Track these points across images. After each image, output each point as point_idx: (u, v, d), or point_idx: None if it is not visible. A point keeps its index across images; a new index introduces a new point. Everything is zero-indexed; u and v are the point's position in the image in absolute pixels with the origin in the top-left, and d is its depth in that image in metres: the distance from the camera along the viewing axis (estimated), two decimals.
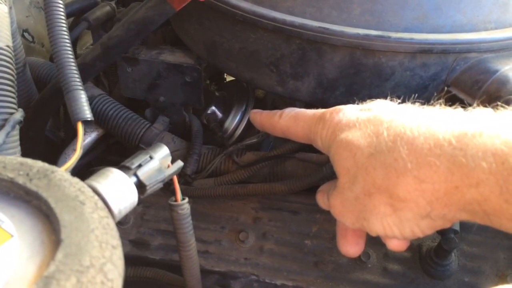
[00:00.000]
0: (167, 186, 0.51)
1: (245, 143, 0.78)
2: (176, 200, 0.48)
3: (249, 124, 0.85)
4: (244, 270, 0.75)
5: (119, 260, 0.31)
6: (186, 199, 0.49)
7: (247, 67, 0.70)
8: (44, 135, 0.83)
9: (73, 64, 0.54)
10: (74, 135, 0.55)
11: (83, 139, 0.82)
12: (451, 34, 0.61)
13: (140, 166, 0.42)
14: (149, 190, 0.42)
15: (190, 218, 0.50)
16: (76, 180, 0.34)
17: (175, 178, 0.47)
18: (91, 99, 0.81)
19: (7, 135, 0.53)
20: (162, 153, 0.44)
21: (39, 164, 0.34)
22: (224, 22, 0.68)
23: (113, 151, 0.93)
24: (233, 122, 0.84)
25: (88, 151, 0.85)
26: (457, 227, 0.68)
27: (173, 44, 0.84)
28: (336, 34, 0.60)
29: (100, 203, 0.33)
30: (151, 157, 0.42)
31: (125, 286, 0.73)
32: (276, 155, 0.75)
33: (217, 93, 0.87)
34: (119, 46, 0.68)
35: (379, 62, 0.62)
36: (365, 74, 0.64)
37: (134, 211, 0.82)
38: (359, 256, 0.75)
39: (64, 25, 0.56)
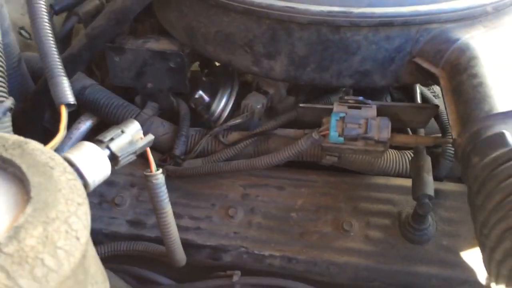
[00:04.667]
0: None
1: (230, 123, 0.83)
2: (150, 171, 0.52)
3: (235, 107, 0.89)
4: (234, 244, 0.79)
5: (84, 215, 0.35)
6: (160, 170, 0.53)
7: (223, 50, 0.74)
8: (42, 126, 0.88)
9: (55, 53, 0.59)
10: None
11: (78, 127, 0.87)
12: (411, 7, 0.64)
13: (112, 139, 0.46)
14: (122, 161, 0.47)
15: (164, 187, 0.54)
16: (47, 149, 0.38)
17: (148, 151, 0.51)
18: (83, 89, 0.86)
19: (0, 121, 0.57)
20: (133, 128, 0.48)
21: (14, 137, 0.39)
22: (200, 7, 0.72)
23: None
24: (219, 105, 0.88)
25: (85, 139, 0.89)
26: (431, 193, 0.71)
27: (160, 34, 0.88)
28: (301, 12, 0.64)
29: (69, 168, 0.38)
30: (122, 131, 0.47)
31: (122, 261, 0.78)
32: (257, 133, 0.79)
33: (204, 78, 0.91)
34: (102, 36, 0.72)
35: (344, 37, 0.66)
36: (332, 49, 0.67)
37: (129, 194, 0.86)
38: (342, 225, 0.79)
39: (46, 18, 0.60)
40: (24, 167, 0.36)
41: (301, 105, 0.74)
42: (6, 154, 0.36)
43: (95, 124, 0.89)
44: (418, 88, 0.93)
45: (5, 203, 0.34)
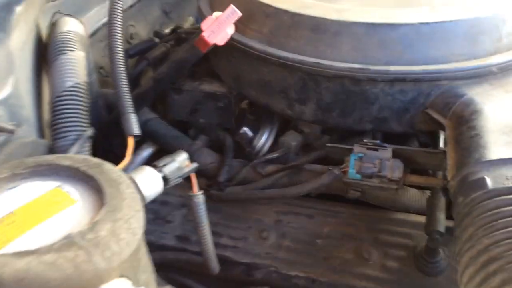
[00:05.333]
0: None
1: (267, 157, 0.95)
2: (193, 192, 0.65)
3: (275, 142, 1.02)
4: (265, 263, 0.90)
5: (140, 219, 0.48)
6: (201, 192, 0.67)
7: (263, 94, 0.87)
8: (112, 151, 1.04)
9: (127, 92, 0.74)
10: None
11: (140, 153, 1.02)
12: (422, 66, 0.75)
13: (164, 165, 0.60)
14: (171, 182, 0.61)
15: (204, 205, 0.67)
16: (117, 169, 0.52)
17: (193, 175, 0.64)
18: (147, 121, 1.02)
19: (81, 146, 0.73)
20: (182, 157, 0.62)
21: (95, 159, 0.53)
22: (244, 59, 0.86)
23: None
24: (260, 140, 1.01)
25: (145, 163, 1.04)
26: (442, 229, 0.79)
27: (213, 77, 1.03)
28: (327, 68, 0.76)
29: (131, 184, 0.51)
30: (173, 160, 0.61)
31: (166, 269, 0.91)
32: (289, 166, 0.91)
33: (249, 116, 1.05)
34: (165, 80, 0.88)
35: (364, 89, 0.77)
36: (354, 98, 0.79)
37: (180, 213, 1.00)
38: (362, 254, 0.88)
39: (123, 62, 0.76)
40: (101, 181, 0.50)
41: (328, 144, 0.86)
42: (89, 171, 0.51)
43: (155, 152, 1.04)
44: (443, 134, 1.02)
45: (88, 206, 0.48)
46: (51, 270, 0.40)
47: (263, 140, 1.01)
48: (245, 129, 1.02)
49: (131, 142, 0.70)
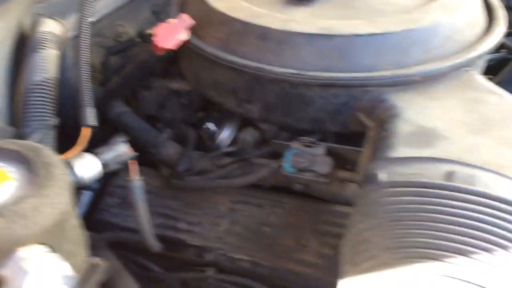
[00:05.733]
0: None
1: (224, 150, 1.04)
2: (130, 177, 0.75)
3: (236, 137, 1.10)
4: (215, 246, 0.99)
5: (65, 197, 0.57)
6: (137, 177, 0.76)
7: (217, 94, 0.96)
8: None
9: (86, 89, 0.83)
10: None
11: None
12: (351, 73, 0.82)
13: (103, 152, 0.69)
14: (110, 167, 0.70)
15: (140, 189, 0.76)
16: (52, 154, 0.61)
17: (132, 163, 0.73)
18: (119, 114, 1.11)
19: (44, 133, 0.82)
20: (119, 146, 0.71)
21: (36, 145, 0.62)
22: (202, 62, 0.95)
23: None
24: (222, 135, 1.09)
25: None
26: None
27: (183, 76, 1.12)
28: (268, 72, 0.84)
29: (63, 167, 0.60)
30: (110, 149, 0.70)
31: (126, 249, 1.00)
32: (238, 159, 0.99)
33: (214, 113, 1.13)
34: (129, 78, 0.98)
35: (301, 92, 0.85)
36: (293, 100, 0.87)
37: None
38: (302, 242, 0.96)
39: (86, 62, 0.85)
40: (36, 164, 0.59)
41: (273, 141, 0.94)
42: (28, 155, 0.60)
43: (127, 143, 1.14)
44: None
45: (22, 184, 0.58)
46: None
47: (225, 135, 1.10)
48: (209, 124, 1.11)
49: (85, 132, 0.80)
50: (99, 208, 1.08)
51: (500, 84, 0.87)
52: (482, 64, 0.96)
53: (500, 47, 1.32)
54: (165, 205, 1.07)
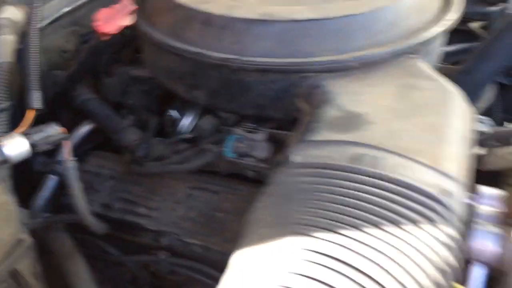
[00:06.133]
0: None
1: (180, 137, 1.06)
2: (65, 158, 0.77)
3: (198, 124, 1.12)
4: (171, 230, 1.01)
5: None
6: (71, 159, 0.78)
7: (169, 80, 0.98)
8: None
9: (34, 73, 0.86)
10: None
11: (80, 129, 1.15)
12: (287, 59, 0.83)
13: (33, 134, 0.72)
14: (40, 147, 0.72)
15: (74, 171, 0.79)
16: None
17: (66, 143, 0.76)
18: (84, 101, 1.14)
19: None
20: (51, 128, 0.74)
21: None
22: (153, 48, 0.97)
23: None
24: (183, 122, 1.11)
25: (85, 140, 1.17)
26: None
27: None
28: (207, 57, 0.86)
29: None
30: (41, 130, 0.72)
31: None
32: (195, 145, 1.01)
33: (178, 101, 1.15)
34: (84, 63, 1.00)
35: (240, 77, 0.86)
36: (235, 86, 0.88)
37: (108, 184, 1.12)
38: None
39: (35, 49, 0.88)
40: None
41: (222, 127, 0.96)
42: None
43: (94, 128, 1.17)
44: None
45: None
46: None
47: (186, 122, 1.11)
48: (172, 111, 1.13)
49: (30, 114, 0.83)
50: (65, 192, 1.12)
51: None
52: (433, 50, 0.95)
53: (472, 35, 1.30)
54: (126, 190, 1.10)
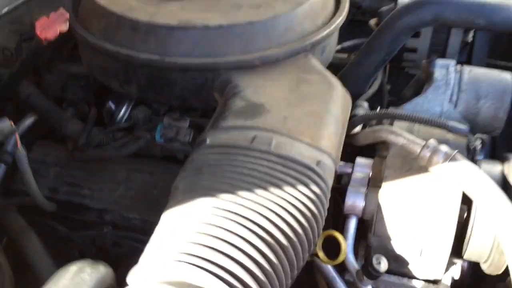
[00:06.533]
0: None
1: (119, 126, 1.21)
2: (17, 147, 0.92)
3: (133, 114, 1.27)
4: (112, 208, 1.17)
5: None
6: (22, 147, 0.93)
7: (103, 77, 1.14)
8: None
9: None
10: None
11: (23, 122, 1.27)
12: (202, 59, 1.01)
13: None
14: None
15: (25, 158, 0.94)
16: None
17: (16, 135, 0.91)
18: (29, 95, 1.27)
19: None
20: (2, 121, 0.88)
21: None
22: (88, 49, 1.12)
23: None
24: (119, 113, 1.26)
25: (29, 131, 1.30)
26: None
27: None
28: (135, 58, 1.02)
29: None
30: None
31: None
32: (131, 133, 1.17)
33: (114, 93, 1.30)
34: (26, 63, 1.14)
35: (165, 75, 1.04)
36: (161, 82, 1.05)
37: (53, 170, 1.26)
38: None
39: None
40: None
41: (153, 116, 1.13)
42: None
43: (36, 120, 1.30)
44: None
45: None
46: None
47: (122, 112, 1.27)
48: (110, 103, 1.28)
49: None
50: (14, 179, 1.24)
51: None
52: (326, 48, 1.15)
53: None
54: (70, 175, 1.24)
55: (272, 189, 0.73)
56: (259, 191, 0.72)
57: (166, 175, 1.19)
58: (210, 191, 0.71)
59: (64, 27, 1.02)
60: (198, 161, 0.81)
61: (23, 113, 1.30)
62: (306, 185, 0.76)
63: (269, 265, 0.64)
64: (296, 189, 0.74)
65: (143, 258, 0.68)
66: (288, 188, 0.74)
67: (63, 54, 1.33)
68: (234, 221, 0.67)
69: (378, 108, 1.19)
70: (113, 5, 1.10)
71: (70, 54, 1.34)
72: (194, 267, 0.60)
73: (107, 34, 1.08)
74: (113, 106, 1.28)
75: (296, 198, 0.73)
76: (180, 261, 0.61)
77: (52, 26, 1.00)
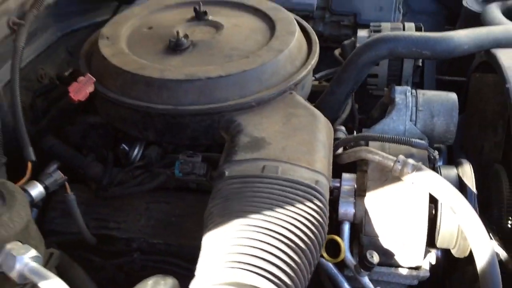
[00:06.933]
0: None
1: (135, 165, 1.41)
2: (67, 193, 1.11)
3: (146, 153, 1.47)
4: (138, 236, 1.36)
5: (27, 210, 0.93)
6: (72, 193, 1.12)
7: (122, 125, 1.34)
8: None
9: (24, 133, 1.18)
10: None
11: (49, 167, 1.45)
12: (210, 105, 1.22)
13: (45, 179, 1.05)
14: (51, 188, 1.06)
15: (74, 202, 1.13)
16: (13, 184, 0.97)
17: (66, 184, 1.10)
18: (51, 146, 1.45)
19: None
20: (57, 174, 1.07)
21: (1, 180, 0.98)
22: (107, 103, 1.32)
23: None
24: (133, 153, 1.46)
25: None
26: None
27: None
28: (153, 109, 1.23)
29: (22, 192, 0.96)
30: (51, 176, 1.06)
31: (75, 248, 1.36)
32: (148, 170, 1.37)
33: (126, 136, 1.49)
34: (55, 120, 1.33)
35: (179, 120, 1.25)
36: (175, 126, 1.27)
37: (80, 208, 1.44)
38: (200, 224, 1.36)
39: (20, 111, 1.20)
40: (4, 192, 0.95)
41: (169, 155, 1.34)
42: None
43: (60, 166, 1.48)
44: None
45: None
46: None
47: (135, 153, 1.47)
48: (123, 145, 1.47)
49: (29, 165, 1.15)
50: (45, 220, 1.42)
51: None
52: (306, 83, 1.40)
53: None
54: (96, 212, 1.42)
55: (287, 207, 0.96)
56: (278, 209, 0.94)
57: (181, 203, 1.40)
58: (241, 213, 0.93)
59: (91, 88, 1.22)
60: (224, 191, 1.02)
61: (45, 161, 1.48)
62: (312, 201, 0.99)
63: (296, 264, 0.86)
64: (305, 205, 0.97)
65: (199, 270, 0.89)
66: (299, 205, 0.97)
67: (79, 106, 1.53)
68: (264, 233, 0.89)
69: (354, 131, 1.45)
70: (126, 65, 1.30)
71: (86, 105, 1.53)
72: (243, 270, 0.82)
73: (124, 89, 1.29)
74: (126, 148, 1.48)
75: (307, 212, 0.96)
76: (231, 267, 0.83)
77: (82, 89, 1.20)
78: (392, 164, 1.10)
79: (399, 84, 1.65)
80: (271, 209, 0.93)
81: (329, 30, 2.29)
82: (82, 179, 1.45)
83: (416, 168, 1.08)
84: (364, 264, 1.07)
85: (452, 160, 1.42)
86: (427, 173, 1.08)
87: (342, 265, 1.17)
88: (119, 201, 1.42)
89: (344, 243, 1.13)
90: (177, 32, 1.36)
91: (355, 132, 1.50)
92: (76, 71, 1.74)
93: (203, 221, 1.29)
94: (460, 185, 1.14)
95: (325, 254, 1.11)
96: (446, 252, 1.24)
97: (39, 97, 1.61)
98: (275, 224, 0.90)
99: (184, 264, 1.33)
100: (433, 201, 1.13)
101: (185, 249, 1.33)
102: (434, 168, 1.16)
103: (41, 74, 1.72)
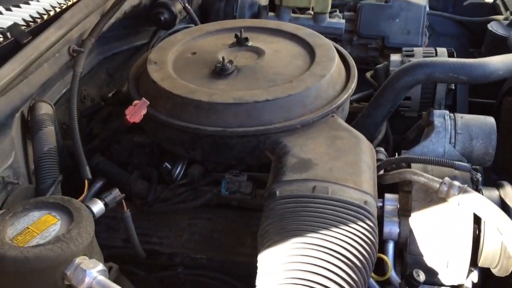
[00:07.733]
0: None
1: (179, 183, 1.46)
2: (123, 210, 1.17)
3: (186, 172, 1.53)
4: (181, 251, 1.41)
5: (92, 226, 0.98)
6: (128, 210, 1.18)
7: (170, 145, 1.40)
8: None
9: (81, 152, 1.24)
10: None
11: (95, 184, 1.51)
12: (256, 127, 1.28)
13: (106, 197, 1.11)
14: (110, 205, 1.11)
15: (130, 218, 1.18)
16: (78, 202, 1.02)
17: (123, 201, 1.15)
18: (98, 163, 1.51)
19: (55, 187, 1.22)
20: (115, 191, 1.13)
21: (66, 197, 1.03)
22: (156, 124, 1.38)
23: None
24: (175, 171, 1.51)
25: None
26: None
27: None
28: (202, 131, 1.29)
29: (87, 209, 1.01)
30: (110, 193, 1.11)
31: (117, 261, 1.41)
32: (191, 188, 1.42)
33: (169, 155, 1.55)
34: (106, 140, 1.39)
35: (226, 141, 1.30)
36: (222, 147, 1.32)
37: (123, 224, 1.50)
38: (241, 240, 1.40)
39: (77, 131, 1.26)
40: (71, 209, 1.00)
41: (213, 173, 1.39)
42: (64, 204, 1.01)
43: (105, 183, 1.54)
44: None
45: (65, 222, 0.99)
46: (50, 252, 0.90)
47: (178, 171, 1.52)
48: (166, 164, 1.53)
49: (86, 183, 1.21)
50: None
51: None
52: (345, 107, 1.45)
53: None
54: (140, 227, 1.48)
55: (342, 226, 1.00)
56: (332, 228, 0.98)
57: (222, 220, 1.46)
58: (297, 231, 0.98)
59: (145, 111, 1.29)
60: (278, 210, 1.07)
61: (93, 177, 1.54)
62: (363, 221, 1.03)
63: (353, 282, 0.90)
64: (358, 224, 1.01)
65: (259, 286, 0.93)
66: (352, 224, 1.01)
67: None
68: (322, 251, 0.93)
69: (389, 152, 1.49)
70: (176, 89, 1.37)
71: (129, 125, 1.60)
72: (304, 286, 0.86)
73: (174, 112, 1.35)
74: (169, 166, 1.54)
75: (360, 232, 1.00)
76: (292, 283, 0.87)
77: (138, 112, 1.26)
78: (437, 185, 1.15)
79: (432, 107, 1.69)
80: (327, 228, 0.98)
81: (356, 52, 2.36)
82: (127, 196, 1.51)
83: (463, 190, 1.12)
84: (411, 283, 1.11)
85: (486, 180, 1.45)
86: (474, 195, 1.12)
87: (385, 283, 1.21)
88: (161, 217, 1.48)
89: (389, 261, 1.17)
90: (223, 58, 1.42)
91: (390, 153, 1.55)
92: (118, 92, 1.82)
93: (243, 237, 1.36)
94: (503, 206, 1.18)
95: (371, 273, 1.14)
96: (483, 271, 1.27)
97: (85, 118, 1.69)
98: (332, 242, 0.95)
99: (226, 278, 1.38)
100: (476, 221, 1.17)
101: (227, 264, 1.37)
102: (477, 189, 1.20)
103: (84, 95, 1.80)
